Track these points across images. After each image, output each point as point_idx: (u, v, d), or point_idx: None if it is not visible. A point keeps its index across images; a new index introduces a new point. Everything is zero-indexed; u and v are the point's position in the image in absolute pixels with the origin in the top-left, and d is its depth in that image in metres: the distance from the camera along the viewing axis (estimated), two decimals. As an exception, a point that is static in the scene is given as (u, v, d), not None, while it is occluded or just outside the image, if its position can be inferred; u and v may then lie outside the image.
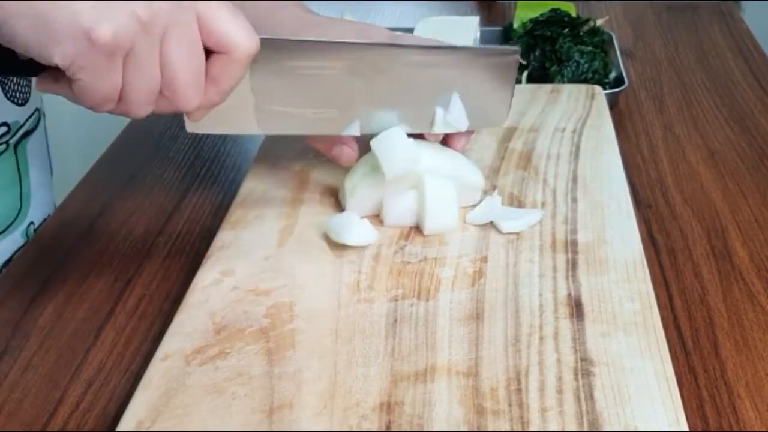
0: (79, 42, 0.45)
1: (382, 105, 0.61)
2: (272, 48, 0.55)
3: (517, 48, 0.64)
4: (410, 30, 1.02)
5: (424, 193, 0.60)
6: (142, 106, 0.50)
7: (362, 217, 0.61)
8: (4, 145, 0.75)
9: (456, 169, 0.63)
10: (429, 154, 0.61)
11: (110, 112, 0.50)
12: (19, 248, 0.77)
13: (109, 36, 0.45)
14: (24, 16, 0.44)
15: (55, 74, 0.48)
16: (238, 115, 0.57)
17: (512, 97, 0.65)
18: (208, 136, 0.87)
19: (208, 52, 0.50)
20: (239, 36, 0.50)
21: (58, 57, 0.45)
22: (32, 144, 0.79)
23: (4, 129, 0.74)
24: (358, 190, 0.62)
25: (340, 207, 0.64)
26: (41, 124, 0.82)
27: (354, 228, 0.59)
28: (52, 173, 0.85)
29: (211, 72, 0.51)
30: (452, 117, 0.62)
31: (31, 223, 0.78)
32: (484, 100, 0.64)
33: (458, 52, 0.62)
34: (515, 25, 1.07)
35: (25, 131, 0.78)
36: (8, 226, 0.76)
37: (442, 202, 0.60)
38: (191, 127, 0.56)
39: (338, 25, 0.65)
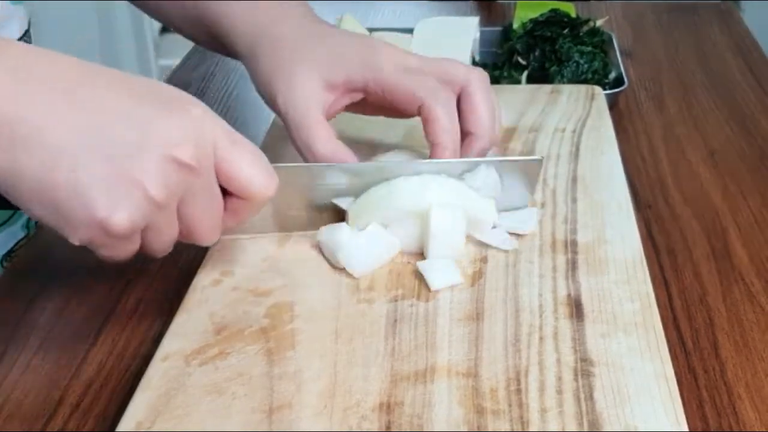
0: (95, 230, 0.45)
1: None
2: (288, 170, 0.57)
3: (540, 158, 0.61)
4: (410, 30, 1.02)
5: (429, 225, 0.57)
6: (162, 253, 0.51)
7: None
8: None
9: (466, 203, 0.59)
10: (436, 191, 0.58)
11: None
12: (19, 241, 0.77)
13: (125, 224, 0.45)
14: (38, 200, 0.45)
15: None
16: (257, 219, 0.57)
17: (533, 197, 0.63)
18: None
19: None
20: (260, 183, 0.50)
21: (74, 239, 0.46)
22: None
23: None
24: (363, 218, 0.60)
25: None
26: None
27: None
28: None
29: (229, 206, 0.51)
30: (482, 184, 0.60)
31: None
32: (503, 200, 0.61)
33: (479, 162, 0.60)
34: (515, 26, 1.07)
35: None
36: (7, 219, 0.76)
37: (448, 235, 0.57)
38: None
39: (341, 38, 0.64)
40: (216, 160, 0.48)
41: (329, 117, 0.62)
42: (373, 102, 0.63)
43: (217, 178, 0.49)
